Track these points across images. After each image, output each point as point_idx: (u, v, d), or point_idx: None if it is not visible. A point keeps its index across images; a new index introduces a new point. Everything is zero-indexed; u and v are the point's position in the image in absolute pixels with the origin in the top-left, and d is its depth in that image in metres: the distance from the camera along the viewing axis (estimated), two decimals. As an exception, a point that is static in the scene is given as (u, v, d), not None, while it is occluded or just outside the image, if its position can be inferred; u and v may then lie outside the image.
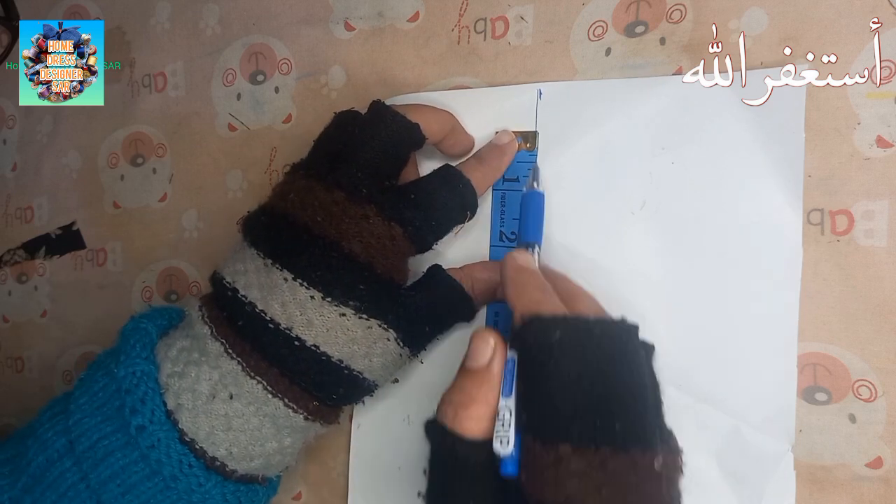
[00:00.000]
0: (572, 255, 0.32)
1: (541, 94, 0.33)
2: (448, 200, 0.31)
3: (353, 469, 0.36)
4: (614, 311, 0.29)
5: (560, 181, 0.33)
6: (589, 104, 0.32)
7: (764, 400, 0.29)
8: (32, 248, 0.48)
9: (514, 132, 0.34)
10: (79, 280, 0.47)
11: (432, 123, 0.32)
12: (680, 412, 0.30)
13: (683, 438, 0.29)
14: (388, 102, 0.31)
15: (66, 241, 0.47)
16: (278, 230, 0.30)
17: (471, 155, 0.34)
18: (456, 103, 0.35)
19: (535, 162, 0.33)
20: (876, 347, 0.27)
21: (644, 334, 0.26)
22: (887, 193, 0.27)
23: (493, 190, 0.34)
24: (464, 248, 0.35)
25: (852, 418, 0.28)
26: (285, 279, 0.28)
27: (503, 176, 0.34)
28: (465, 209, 0.31)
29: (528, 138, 0.34)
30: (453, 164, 0.33)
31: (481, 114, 0.35)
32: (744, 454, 0.29)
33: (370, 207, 0.29)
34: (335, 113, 0.32)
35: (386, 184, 0.30)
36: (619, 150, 0.32)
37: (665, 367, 0.30)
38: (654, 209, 0.31)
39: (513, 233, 0.34)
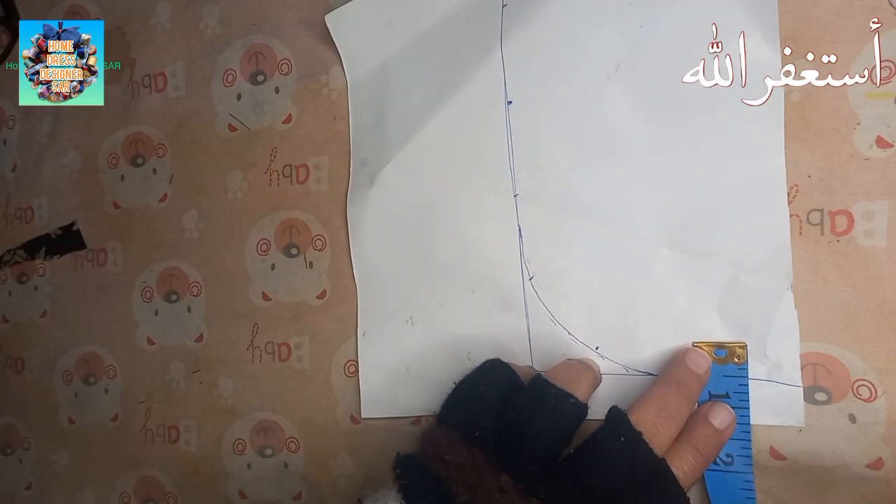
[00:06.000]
0: (549, 123, 0.32)
1: None
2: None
3: (363, 376, 0.36)
4: (597, 178, 0.31)
5: (532, 50, 0.32)
6: None
7: (758, 244, 0.29)
8: (32, 248, 0.48)
9: (706, 344, 0.29)
10: (79, 280, 0.47)
11: (588, 389, 0.28)
12: (676, 271, 0.30)
13: (684, 297, 0.30)
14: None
15: (66, 241, 0.47)
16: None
17: (679, 435, 0.27)
18: None
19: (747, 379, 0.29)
20: (876, 347, 0.27)
21: (630, 195, 0.30)
22: (887, 193, 0.27)
23: None
24: None
25: (852, 418, 0.28)
26: None
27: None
28: None
29: (734, 352, 0.29)
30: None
31: None
32: (744, 301, 0.29)
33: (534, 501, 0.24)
34: (487, 363, 0.30)
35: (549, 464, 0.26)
36: (586, 11, 0.31)
37: (656, 228, 0.30)
38: (629, 70, 0.31)
39: None
